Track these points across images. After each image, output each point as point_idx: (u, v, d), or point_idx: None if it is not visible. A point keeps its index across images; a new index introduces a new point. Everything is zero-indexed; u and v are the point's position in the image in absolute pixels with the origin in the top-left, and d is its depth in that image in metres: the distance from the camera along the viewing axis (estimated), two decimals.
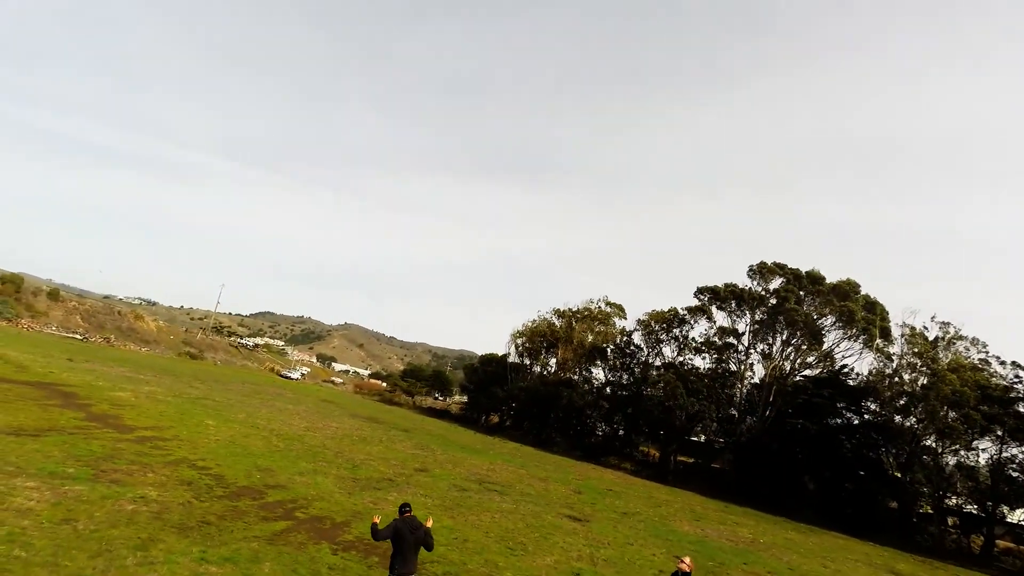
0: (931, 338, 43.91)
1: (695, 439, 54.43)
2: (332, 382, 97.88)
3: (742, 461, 46.31)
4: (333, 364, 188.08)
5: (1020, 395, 38.40)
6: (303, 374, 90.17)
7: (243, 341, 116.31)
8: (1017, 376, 39.44)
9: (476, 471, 26.05)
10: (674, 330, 54.35)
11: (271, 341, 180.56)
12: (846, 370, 46.37)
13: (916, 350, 43.60)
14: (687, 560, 8.55)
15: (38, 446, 13.05)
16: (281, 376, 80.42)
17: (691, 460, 53.30)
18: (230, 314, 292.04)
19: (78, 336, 63.37)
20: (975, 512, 39.97)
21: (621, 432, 56.49)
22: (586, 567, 13.32)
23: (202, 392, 33.47)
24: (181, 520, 10.19)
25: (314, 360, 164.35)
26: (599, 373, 61.01)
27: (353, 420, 37.44)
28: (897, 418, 42.77)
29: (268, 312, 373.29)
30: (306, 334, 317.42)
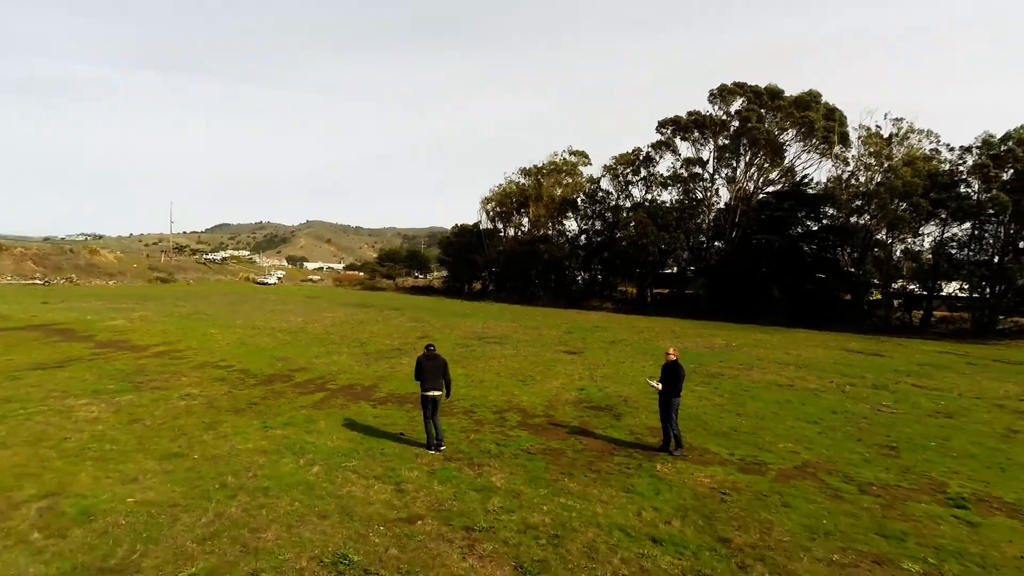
0: (886, 135, 45.46)
1: (668, 271, 57.73)
2: (310, 280, 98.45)
3: (713, 283, 49.87)
4: (305, 264, 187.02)
5: (962, 176, 41.00)
6: (279, 278, 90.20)
7: (210, 256, 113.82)
8: (962, 158, 41.74)
9: (472, 330, 28.01)
10: (641, 170, 54.90)
11: (236, 252, 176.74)
12: (806, 180, 48.29)
13: (872, 150, 45.32)
14: (672, 350, 10.11)
15: (68, 373, 13.79)
16: (258, 283, 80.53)
17: (666, 291, 57.12)
18: (185, 233, 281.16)
19: (38, 281, 61.51)
20: (917, 291, 44.88)
21: (599, 277, 59.49)
22: (588, 384, 15.32)
23: (191, 309, 33.94)
24: (231, 405, 11.36)
25: (285, 263, 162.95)
26: (572, 224, 62.48)
27: (344, 309, 38.76)
28: (853, 218, 45.79)
29: (224, 224, 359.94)
30: (270, 239, 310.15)
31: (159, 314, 29.48)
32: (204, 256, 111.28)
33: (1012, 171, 37.92)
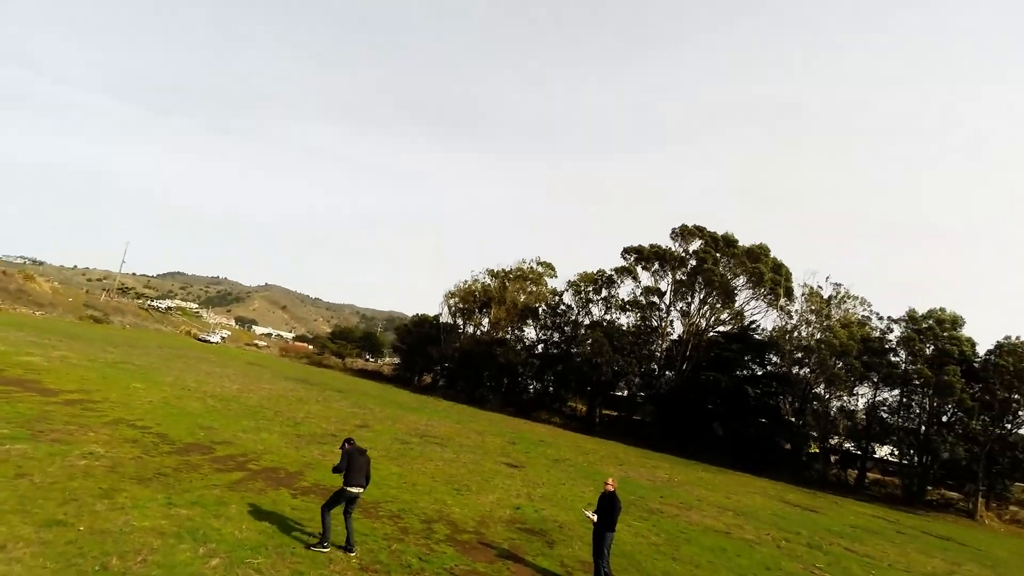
0: (826, 296, 49.25)
1: (619, 394, 58.13)
2: (255, 345, 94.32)
3: (661, 412, 50.26)
4: (254, 327, 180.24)
5: (891, 346, 44.17)
6: (223, 338, 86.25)
7: (154, 303, 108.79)
8: (889, 328, 45.25)
9: (415, 426, 26.95)
10: (602, 290, 57.08)
11: (184, 304, 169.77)
12: (754, 326, 51.01)
13: (813, 307, 48.81)
14: (611, 480, 9.94)
15: None
16: (200, 340, 76.55)
17: (615, 413, 57.06)
18: (135, 275, 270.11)
19: None
20: (853, 450, 46.25)
21: (551, 388, 59.22)
22: (524, 503, 14.70)
23: (120, 356, 31.78)
24: (137, 472, 10.34)
25: (233, 323, 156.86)
26: (531, 332, 63.17)
27: (285, 382, 36.99)
28: (795, 369, 48.01)
29: (178, 272, 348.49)
30: (223, 296, 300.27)
31: (83, 356, 27.40)
32: (148, 302, 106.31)
33: (933, 348, 41.11)
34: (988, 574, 18.28)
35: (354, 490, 8.70)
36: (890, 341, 44.90)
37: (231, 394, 24.75)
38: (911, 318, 43.62)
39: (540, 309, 61.99)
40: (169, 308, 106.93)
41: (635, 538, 13.09)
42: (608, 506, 9.36)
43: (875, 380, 44.03)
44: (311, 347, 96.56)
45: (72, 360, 25.39)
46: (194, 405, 19.68)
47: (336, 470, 8.82)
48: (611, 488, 9.63)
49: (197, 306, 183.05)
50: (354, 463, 8.79)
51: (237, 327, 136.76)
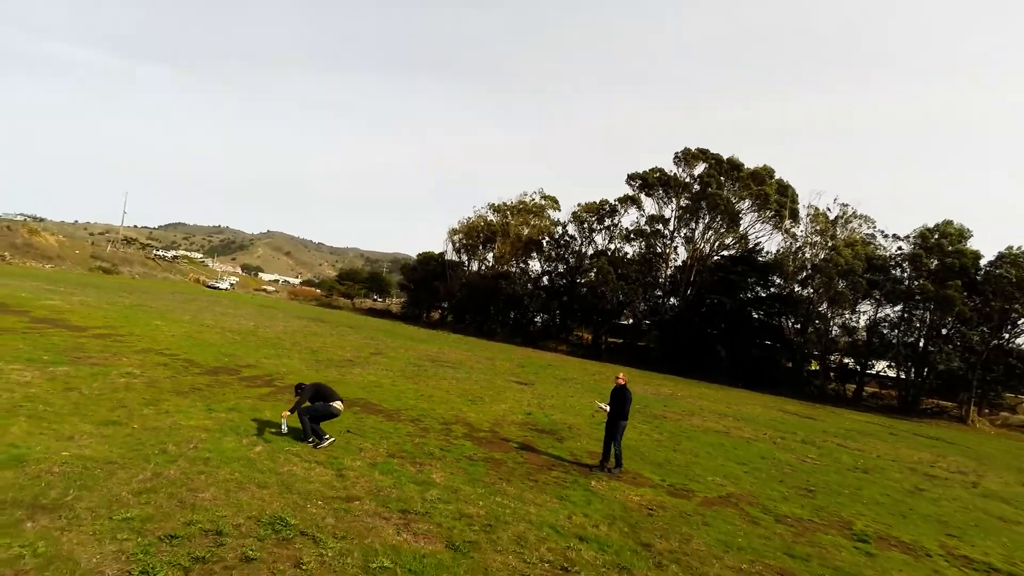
0: (832, 217, 49.11)
1: (624, 322, 59.34)
2: (264, 290, 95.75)
3: (665, 337, 51.52)
4: (260, 274, 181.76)
5: (897, 262, 44.46)
6: (232, 284, 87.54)
7: (160, 252, 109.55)
8: (899, 248, 45.35)
9: (427, 353, 28.00)
10: (606, 220, 56.97)
11: (189, 253, 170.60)
12: (759, 248, 51.18)
13: (818, 228, 48.78)
14: (622, 375, 10.66)
15: (0, 342, 13.18)
16: (209, 287, 77.77)
17: (620, 341, 58.51)
18: (136, 227, 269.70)
19: None
20: (852, 365, 47.62)
21: (558, 319, 60.47)
22: (535, 410, 15.66)
23: (136, 300, 32.63)
24: (174, 387, 11.14)
25: (239, 271, 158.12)
26: (536, 265, 63.75)
27: (299, 320, 38.01)
28: (798, 289, 48.65)
29: (180, 223, 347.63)
30: (226, 244, 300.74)
31: (100, 301, 28.23)
32: (154, 252, 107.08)
33: (937, 263, 41.38)
34: (972, 464, 19.47)
35: (338, 405, 9.15)
36: (895, 258, 45.14)
37: (248, 329, 25.66)
38: (921, 235, 43.57)
39: (544, 241, 62.20)
40: (175, 257, 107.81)
41: (639, 436, 14.04)
42: (620, 397, 10.13)
43: (877, 297, 44.64)
44: (319, 291, 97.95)
45: (91, 303, 26.21)
46: (215, 338, 20.54)
47: (299, 405, 8.68)
48: (622, 381, 10.37)
49: (201, 255, 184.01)
50: (323, 389, 9.14)
51: (244, 274, 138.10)
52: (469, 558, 5.48)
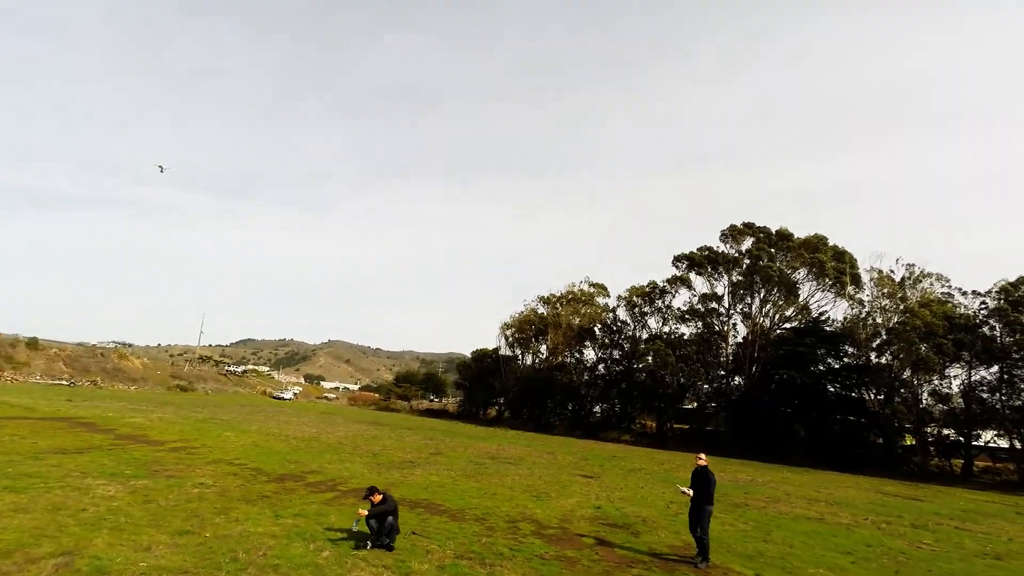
0: (898, 279, 46.63)
1: (688, 406, 56.45)
2: (326, 398, 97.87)
3: (734, 419, 48.38)
4: (322, 382, 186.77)
5: (983, 320, 41.07)
6: (295, 393, 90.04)
7: (231, 368, 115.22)
8: (984, 304, 42.07)
9: (486, 451, 27.34)
10: (656, 301, 56.29)
11: (257, 367, 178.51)
12: (823, 318, 48.71)
13: (886, 291, 46.24)
14: (702, 455, 10.00)
15: (88, 458, 13.92)
16: (274, 397, 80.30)
17: (686, 426, 55.32)
18: (211, 345, 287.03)
19: (64, 382, 62.58)
20: (953, 437, 42.70)
21: (617, 408, 58.22)
22: (605, 503, 14.73)
23: (208, 415, 34.06)
24: (243, 496, 11.28)
25: (302, 380, 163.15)
26: (590, 353, 62.73)
27: (358, 425, 38.35)
28: (874, 357, 45.32)
29: (249, 339, 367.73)
30: (291, 356, 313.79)
31: (177, 417, 29.65)
32: (225, 368, 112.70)
33: None
34: None
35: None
36: (981, 315, 41.81)
37: (311, 435, 26.05)
38: (1003, 289, 40.56)
39: (596, 329, 61.64)
40: (245, 371, 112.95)
41: (722, 527, 12.85)
42: (703, 479, 9.47)
43: (967, 359, 40.91)
44: (377, 395, 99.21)
45: (169, 419, 27.54)
46: (280, 446, 20.93)
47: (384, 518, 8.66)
48: (703, 463, 9.74)
49: (268, 368, 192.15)
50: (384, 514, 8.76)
51: (307, 383, 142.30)
52: None
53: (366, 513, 8.40)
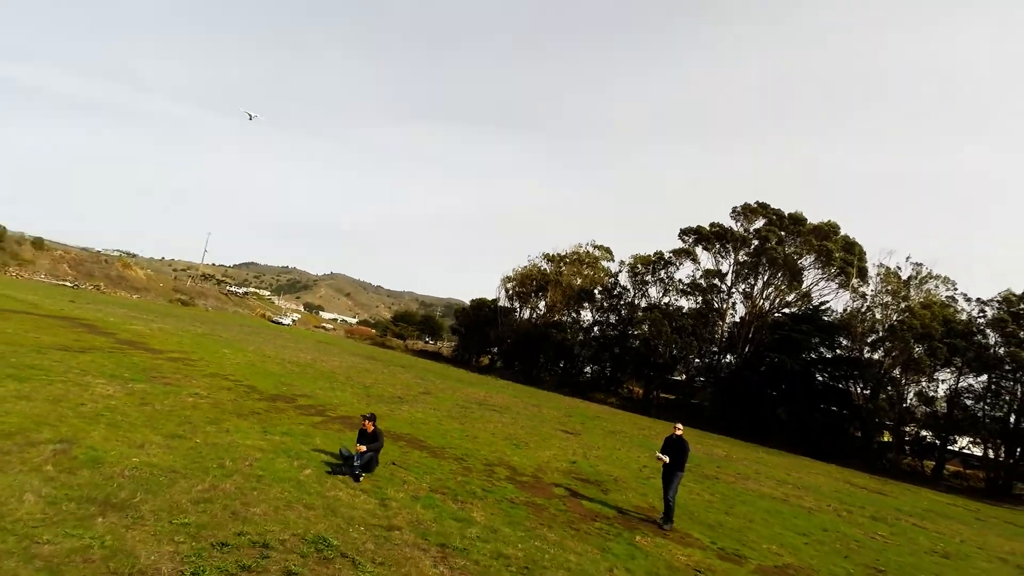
0: (904, 277, 46.39)
1: (677, 378, 57.33)
2: (323, 328, 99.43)
3: (721, 395, 49.27)
4: (321, 313, 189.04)
5: (980, 328, 41.13)
6: (294, 320, 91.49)
7: (233, 288, 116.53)
8: (982, 311, 42.06)
9: (474, 396, 28.04)
10: (659, 272, 56.23)
11: (258, 290, 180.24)
12: (823, 307, 48.78)
13: (890, 288, 46.08)
14: (679, 425, 10.36)
15: (89, 358, 14.38)
16: (273, 322, 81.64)
17: (672, 397, 56.38)
18: (214, 264, 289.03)
19: (68, 284, 63.54)
20: (930, 439, 43.55)
21: (608, 371, 59.20)
22: (580, 459, 15.28)
23: (207, 330, 34.72)
24: (235, 410, 11.72)
25: (302, 308, 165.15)
26: (587, 315, 63.21)
27: (353, 357, 39.13)
28: (867, 352, 45.67)
29: (252, 263, 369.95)
30: (292, 284, 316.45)
31: (176, 329, 30.26)
32: (227, 287, 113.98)
33: None
34: None
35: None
36: (979, 324, 41.83)
37: (306, 362, 26.69)
38: (1006, 299, 40.42)
39: (596, 291, 61.87)
40: (246, 293, 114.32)
41: (689, 495, 13.37)
42: (678, 447, 9.86)
43: (959, 365, 41.23)
44: (374, 330, 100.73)
45: (169, 330, 28.16)
46: (275, 368, 21.50)
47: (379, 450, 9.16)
48: (679, 432, 10.09)
49: (269, 293, 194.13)
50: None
51: (306, 312, 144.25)
52: None
53: (364, 449, 8.73)
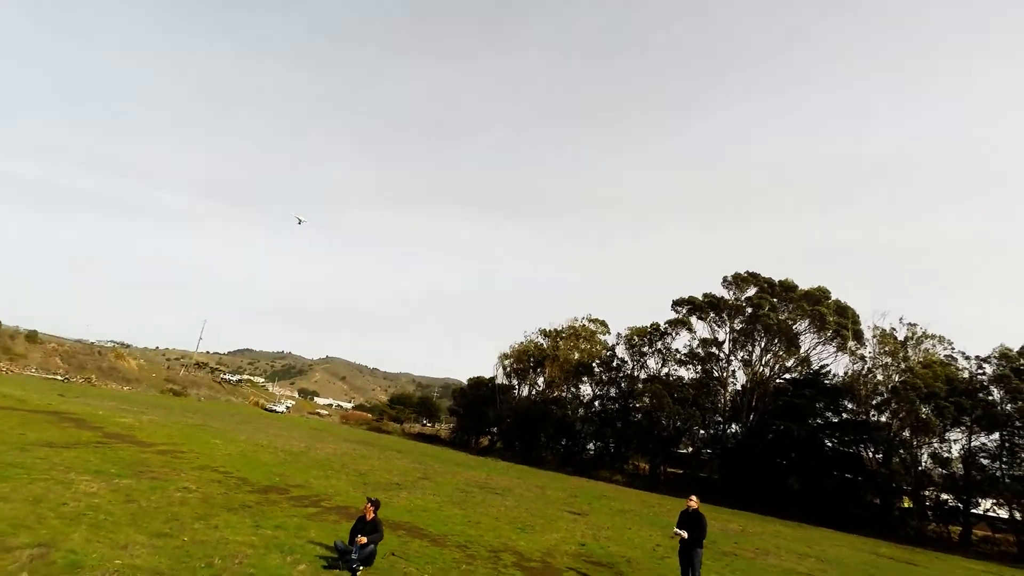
0: (900, 338, 46.44)
1: (682, 451, 55.63)
2: (318, 414, 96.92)
3: (729, 466, 47.56)
4: (316, 398, 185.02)
5: (984, 385, 40.70)
6: (288, 407, 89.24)
7: (226, 376, 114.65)
8: (980, 368, 41.81)
9: (475, 480, 26.94)
10: (656, 343, 56.08)
11: (252, 377, 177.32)
12: (824, 371, 48.34)
13: (888, 349, 45.99)
14: (693, 498, 9.90)
15: (75, 454, 13.86)
16: (266, 410, 79.60)
17: (680, 471, 54.37)
18: (208, 352, 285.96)
19: (59, 377, 62.37)
20: (952, 502, 41.74)
21: (612, 447, 57.41)
22: (590, 541, 14.47)
23: (198, 421, 33.78)
24: (226, 503, 11.17)
25: (296, 394, 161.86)
26: (587, 389, 62.21)
27: (348, 444, 37.90)
28: (874, 415, 44.77)
29: (247, 349, 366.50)
30: (287, 369, 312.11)
31: (166, 421, 29.42)
32: (221, 375, 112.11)
33: None
34: None
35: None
36: (981, 380, 41.45)
37: (300, 450, 25.78)
38: (1003, 355, 40.37)
39: (594, 365, 61.28)
40: (240, 380, 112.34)
41: (708, 574, 12.58)
42: (695, 522, 9.39)
43: (968, 423, 40.38)
44: (370, 415, 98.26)
45: (159, 422, 27.35)
46: (267, 457, 20.73)
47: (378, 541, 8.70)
48: (694, 506, 9.65)
49: (264, 379, 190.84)
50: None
51: (300, 398, 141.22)
52: None
53: (366, 540, 8.25)
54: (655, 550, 14.52)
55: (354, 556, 8.01)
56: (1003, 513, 39.96)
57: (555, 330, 65.40)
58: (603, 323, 64.48)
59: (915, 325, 46.53)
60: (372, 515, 8.61)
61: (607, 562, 12.14)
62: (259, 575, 6.98)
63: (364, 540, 8.18)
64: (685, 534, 9.42)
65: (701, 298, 53.88)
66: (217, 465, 16.38)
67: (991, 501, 41.07)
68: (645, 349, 57.06)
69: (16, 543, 6.66)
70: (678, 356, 55.14)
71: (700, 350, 53.84)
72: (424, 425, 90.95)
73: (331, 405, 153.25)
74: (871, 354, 47.56)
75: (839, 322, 48.27)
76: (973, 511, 40.56)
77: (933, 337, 46.23)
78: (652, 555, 13.69)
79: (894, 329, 46.92)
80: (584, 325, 64.59)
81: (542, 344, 65.79)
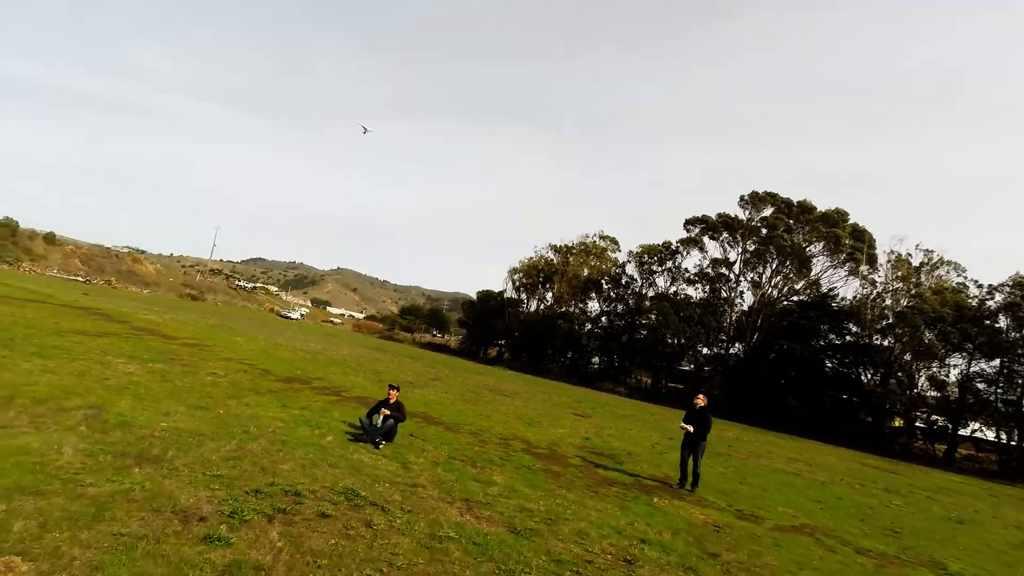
0: (915, 264, 46.05)
1: (685, 367, 57.28)
2: (331, 322, 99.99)
3: (730, 384, 49.19)
4: (328, 307, 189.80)
5: (992, 312, 40.83)
6: (302, 315, 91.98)
7: (241, 283, 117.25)
8: (990, 294, 41.75)
9: (484, 383, 28.22)
10: (667, 262, 56.11)
11: (266, 285, 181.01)
12: (832, 294, 48.52)
13: (900, 274, 45.77)
14: (700, 396, 10.45)
15: (107, 341, 14.60)
16: (281, 316, 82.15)
17: (681, 387, 56.34)
18: (222, 260, 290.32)
19: (80, 278, 64.15)
20: (941, 423, 43.37)
21: (616, 361, 59.24)
22: (593, 436, 15.39)
23: (218, 322, 35.06)
24: (253, 388, 11.90)
25: (309, 303, 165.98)
26: (594, 305, 63.21)
27: (362, 348, 39.41)
28: (877, 338, 45.47)
29: (260, 258, 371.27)
30: (299, 279, 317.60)
31: (188, 319, 30.60)
32: (236, 282, 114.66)
33: None
34: None
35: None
36: (990, 308, 41.51)
37: (317, 350, 26.92)
38: (1018, 283, 40.09)
39: (603, 282, 61.82)
40: (255, 288, 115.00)
41: (702, 469, 13.43)
42: (700, 418, 10.03)
43: (970, 350, 40.97)
44: (381, 325, 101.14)
45: (181, 320, 28.46)
46: (287, 355, 21.71)
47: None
48: (701, 403, 10.21)
49: (277, 288, 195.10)
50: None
51: (313, 307, 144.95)
52: (531, 541, 5.50)
53: (387, 413, 8.84)
54: (654, 447, 15.45)
55: (378, 428, 8.63)
56: (990, 434, 41.55)
57: (566, 246, 65.44)
58: (614, 240, 64.33)
59: (931, 251, 45.90)
60: (395, 398, 9.16)
61: (609, 453, 12.99)
62: (291, 442, 7.59)
63: (387, 412, 8.78)
64: (691, 428, 10.05)
65: (715, 217, 53.16)
66: (241, 358, 17.22)
67: (979, 424, 42.58)
68: (655, 268, 57.20)
69: (70, 405, 7.24)
70: (687, 275, 55.36)
71: (710, 270, 53.92)
72: (434, 335, 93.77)
73: (343, 314, 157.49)
74: (883, 279, 47.47)
75: (854, 246, 47.75)
76: (961, 432, 42.22)
77: (948, 264, 45.74)
78: (652, 450, 14.59)
79: (909, 255, 46.44)
80: (595, 242, 64.50)
81: (552, 259, 66.08)
